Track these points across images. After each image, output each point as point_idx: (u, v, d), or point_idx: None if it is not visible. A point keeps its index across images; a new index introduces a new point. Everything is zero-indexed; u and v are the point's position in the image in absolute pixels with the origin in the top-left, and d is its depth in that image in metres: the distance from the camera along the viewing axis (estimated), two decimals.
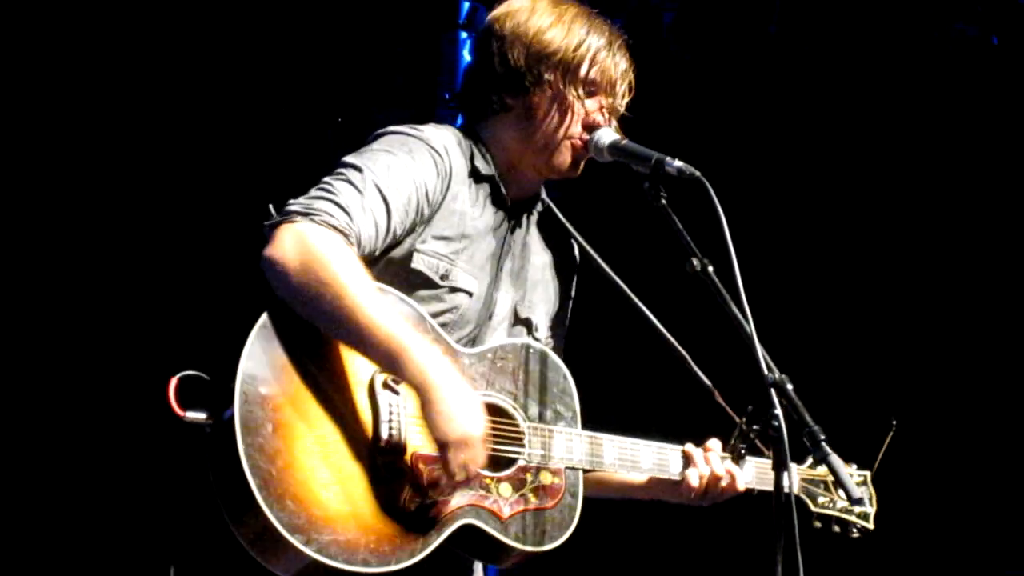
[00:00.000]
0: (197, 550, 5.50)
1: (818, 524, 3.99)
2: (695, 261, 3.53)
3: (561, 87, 3.73)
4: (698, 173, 3.55)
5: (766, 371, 3.40)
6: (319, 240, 3.36)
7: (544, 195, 3.93)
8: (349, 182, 3.49)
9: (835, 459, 3.39)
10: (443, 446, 3.38)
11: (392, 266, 3.60)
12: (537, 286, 3.89)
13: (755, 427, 3.73)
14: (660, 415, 3.92)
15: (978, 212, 6.77)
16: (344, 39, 6.26)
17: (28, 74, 5.77)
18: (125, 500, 5.78)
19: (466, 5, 6.63)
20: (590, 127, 3.76)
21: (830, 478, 3.96)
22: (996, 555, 6.64)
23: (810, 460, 3.95)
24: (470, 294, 3.69)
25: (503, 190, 3.77)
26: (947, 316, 6.77)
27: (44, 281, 5.77)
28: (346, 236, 3.40)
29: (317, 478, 3.35)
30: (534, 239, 3.91)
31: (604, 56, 3.76)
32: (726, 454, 3.84)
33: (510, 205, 3.80)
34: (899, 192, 6.79)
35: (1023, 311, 6.71)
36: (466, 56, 6.60)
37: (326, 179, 3.51)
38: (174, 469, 5.33)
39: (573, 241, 3.99)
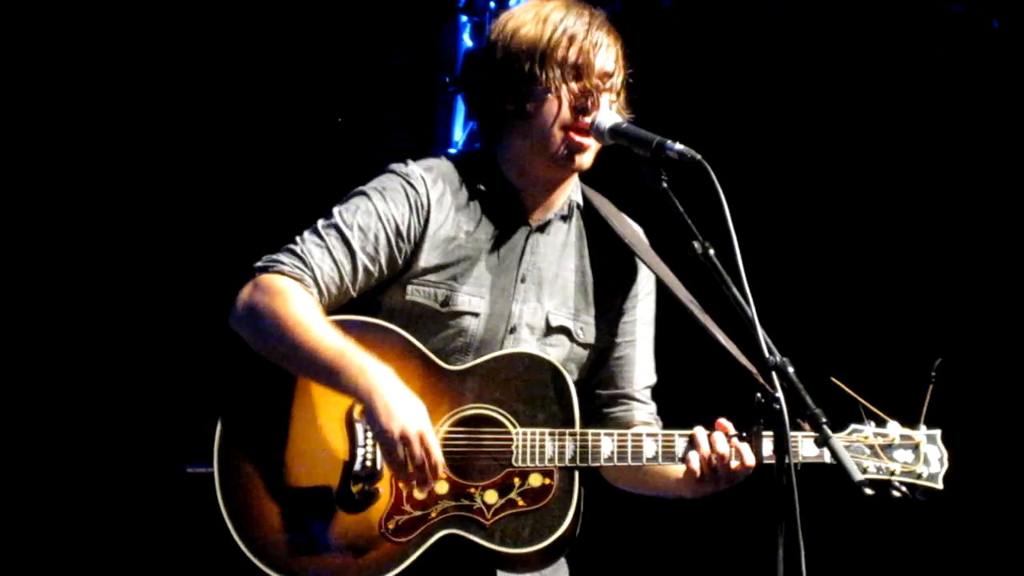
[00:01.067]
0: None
1: (869, 491, 3.70)
2: (696, 244, 3.52)
3: (539, 74, 3.72)
4: (699, 156, 3.54)
5: (767, 354, 3.40)
6: (269, 287, 3.60)
7: (579, 196, 3.91)
8: (315, 231, 3.70)
9: (836, 442, 3.39)
10: (383, 444, 3.51)
11: (392, 303, 3.73)
12: (578, 292, 3.88)
13: (765, 399, 3.67)
14: (700, 403, 3.85)
15: (978, 196, 6.75)
16: (343, 27, 6.24)
17: (28, 75, 5.76)
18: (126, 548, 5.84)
19: None
20: (581, 110, 3.74)
21: (879, 442, 3.81)
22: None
23: (852, 427, 3.79)
24: (476, 315, 3.74)
25: (515, 201, 3.80)
26: (948, 298, 6.76)
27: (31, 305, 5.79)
28: (299, 281, 3.61)
29: (295, 510, 3.56)
30: (574, 242, 3.89)
31: (581, 36, 3.74)
32: (734, 432, 3.72)
33: (530, 214, 3.82)
34: (900, 176, 6.78)
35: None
36: (466, 40, 6.59)
37: (303, 231, 3.71)
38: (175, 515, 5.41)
39: (625, 241, 3.93)
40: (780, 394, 3.37)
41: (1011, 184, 6.69)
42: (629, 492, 3.96)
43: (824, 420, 3.39)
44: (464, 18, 6.62)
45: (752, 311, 3.43)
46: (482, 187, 3.79)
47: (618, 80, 3.79)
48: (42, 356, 5.81)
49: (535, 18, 3.77)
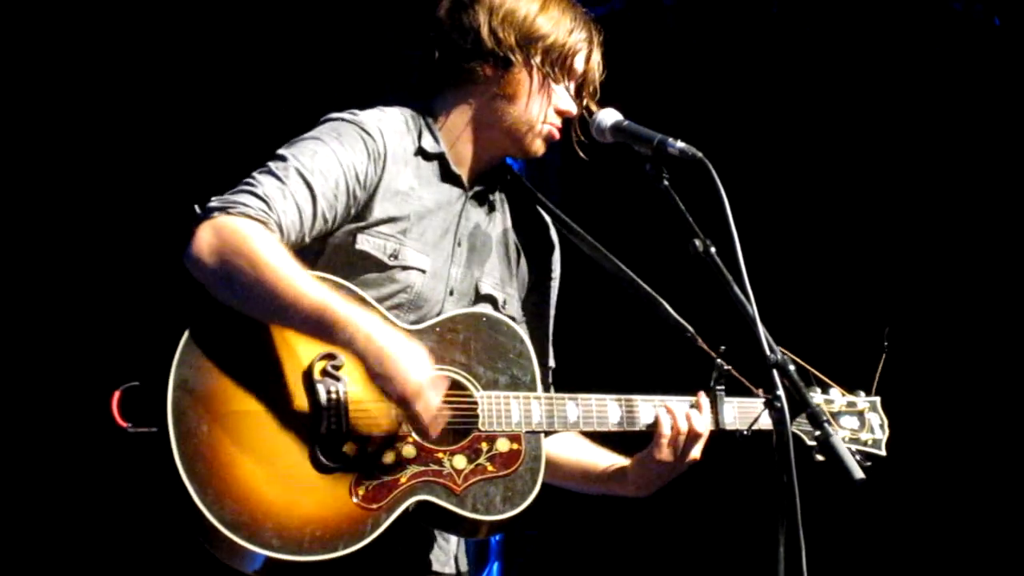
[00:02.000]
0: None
1: (820, 457, 3.69)
2: (697, 242, 3.53)
3: (547, 70, 3.76)
4: (700, 154, 3.55)
5: (768, 352, 3.40)
6: (234, 227, 3.41)
7: (510, 167, 3.94)
8: (271, 172, 3.53)
9: (837, 440, 3.38)
10: (398, 402, 3.42)
11: (338, 252, 3.63)
12: (503, 263, 3.88)
13: (729, 367, 3.74)
14: (649, 372, 3.87)
15: (979, 192, 6.76)
16: (345, 26, 6.25)
17: (26, 73, 5.76)
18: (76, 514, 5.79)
19: None
20: (561, 114, 3.80)
21: (828, 408, 3.89)
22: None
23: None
24: (423, 271, 3.69)
25: (452, 167, 3.78)
26: (951, 300, 6.77)
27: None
28: (264, 224, 3.44)
29: (257, 473, 3.40)
30: (500, 214, 3.90)
31: (588, 50, 3.82)
32: (686, 398, 3.78)
33: (465, 180, 3.80)
34: (901, 174, 6.78)
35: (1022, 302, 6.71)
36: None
37: (252, 173, 3.55)
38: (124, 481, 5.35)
39: (546, 215, 3.96)
40: (781, 392, 3.36)
41: (1012, 183, 6.70)
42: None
43: (825, 418, 3.39)
44: None
45: (753, 309, 3.43)
46: (426, 146, 3.76)
47: (598, 88, 3.86)
48: None
49: (546, 11, 3.79)
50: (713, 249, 3.52)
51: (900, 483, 4.52)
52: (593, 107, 3.83)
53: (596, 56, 3.84)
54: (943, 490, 6.62)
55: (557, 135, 3.81)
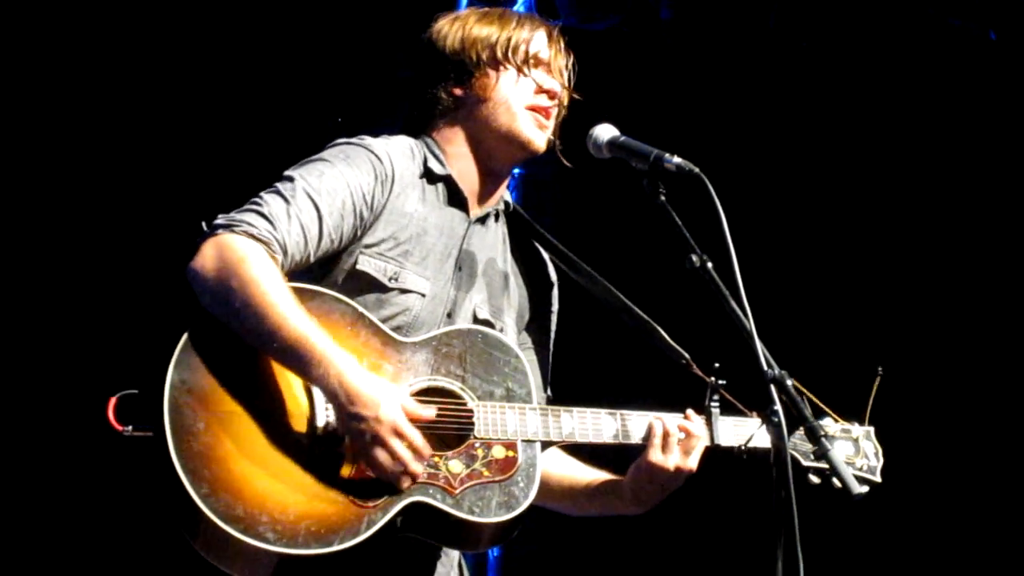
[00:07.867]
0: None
1: (815, 479, 3.81)
2: (694, 257, 3.53)
3: (502, 58, 3.80)
4: (697, 169, 3.56)
5: (766, 367, 3.39)
6: (236, 248, 3.46)
7: (508, 196, 3.96)
8: (278, 192, 3.58)
9: (834, 455, 3.39)
10: (369, 444, 3.42)
11: (339, 272, 3.67)
12: (502, 291, 3.90)
13: (724, 383, 3.76)
14: (645, 396, 3.88)
15: (975, 207, 6.77)
16: (342, 34, 6.26)
17: (26, 73, 5.77)
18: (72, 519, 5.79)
19: None
20: (548, 94, 3.82)
21: (825, 431, 3.86)
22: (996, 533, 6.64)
23: None
24: (422, 295, 3.72)
25: (460, 189, 3.81)
26: (947, 313, 6.77)
27: None
28: (267, 244, 3.49)
29: (253, 469, 3.42)
30: (500, 243, 3.93)
31: (540, 36, 3.86)
32: (680, 414, 3.79)
33: (471, 205, 3.83)
34: (897, 187, 6.79)
35: (1020, 305, 6.71)
36: None
37: (260, 193, 3.59)
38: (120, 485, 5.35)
39: (542, 249, 3.98)
40: (778, 407, 3.36)
41: (1009, 194, 6.71)
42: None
43: (823, 432, 3.39)
44: None
45: (750, 323, 3.43)
46: (433, 167, 3.80)
47: (566, 85, 3.87)
48: None
49: (485, 16, 3.87)
50: (710, 264, 3.52)
51: (895, 501, 4.52)
52: (566, 93, 3.86)
53: (555, 42, 3.87)
54: (938, 505, 6.62)
55: (546, 119, 3.82)
